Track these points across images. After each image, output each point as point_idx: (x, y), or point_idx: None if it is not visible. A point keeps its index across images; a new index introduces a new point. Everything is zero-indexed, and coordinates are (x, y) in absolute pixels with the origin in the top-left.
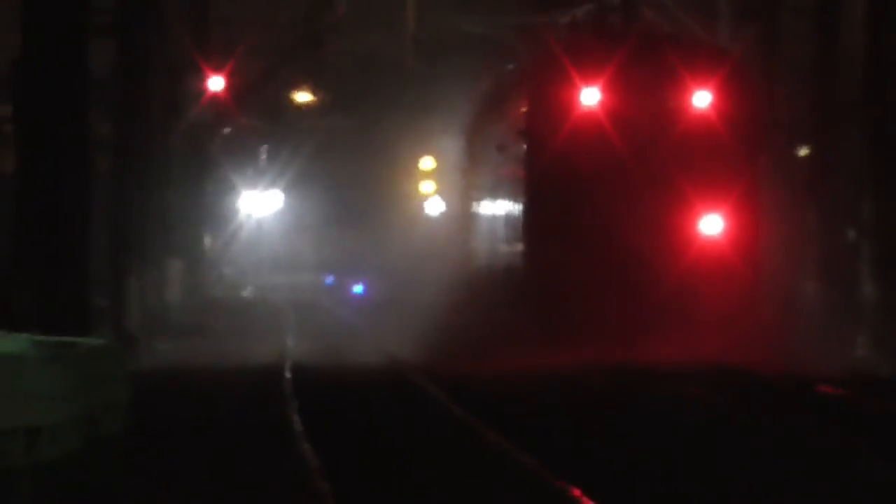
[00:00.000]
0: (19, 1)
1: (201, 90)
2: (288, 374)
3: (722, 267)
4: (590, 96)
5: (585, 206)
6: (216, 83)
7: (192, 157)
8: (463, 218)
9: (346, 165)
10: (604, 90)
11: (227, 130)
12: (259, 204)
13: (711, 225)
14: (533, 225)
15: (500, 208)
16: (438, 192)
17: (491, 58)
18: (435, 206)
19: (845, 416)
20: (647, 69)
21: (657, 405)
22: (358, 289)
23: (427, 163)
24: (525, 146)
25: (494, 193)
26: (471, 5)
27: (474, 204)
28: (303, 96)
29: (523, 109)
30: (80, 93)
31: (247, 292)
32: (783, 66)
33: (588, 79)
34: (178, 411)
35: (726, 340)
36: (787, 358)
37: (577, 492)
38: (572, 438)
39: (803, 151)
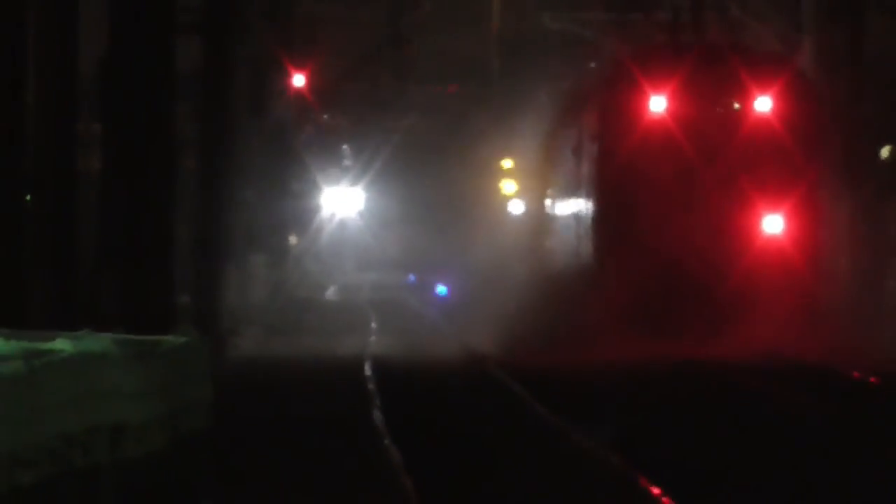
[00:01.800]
0: (107, 2)
1: (285, 88)
2: (368, 372)
3: (783, 264)
4: (658, 103)
5: (654, 207)
6: (299, 80)
7: (275, 155)
8: (541, 217)
9: (429, 164)
10: (671, 98)
11: (310, 129)
12: (342, 202)
13: (773, 225)
14: (605, 225)
15: (575, 208)
16: (520, 191)
17: (574, 56)
18: (517, 206)
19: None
20: (712, 77)
21: (727, 399)
22: (441, 288)
23: (508, 162)
24: (597, 150)
25: (571, 194)
26: (554, 3)
27: (552, 204)
28: (385, 95)
29: (595, 115)
30: (166, 91)
31: (330, 290)
32: (869, 67)
33: (656, 87)
34: (260, 408)
35: (786, 335)
36: (845, 350)
37: (657, 490)
38: (651, 434)
39: (885, 153)
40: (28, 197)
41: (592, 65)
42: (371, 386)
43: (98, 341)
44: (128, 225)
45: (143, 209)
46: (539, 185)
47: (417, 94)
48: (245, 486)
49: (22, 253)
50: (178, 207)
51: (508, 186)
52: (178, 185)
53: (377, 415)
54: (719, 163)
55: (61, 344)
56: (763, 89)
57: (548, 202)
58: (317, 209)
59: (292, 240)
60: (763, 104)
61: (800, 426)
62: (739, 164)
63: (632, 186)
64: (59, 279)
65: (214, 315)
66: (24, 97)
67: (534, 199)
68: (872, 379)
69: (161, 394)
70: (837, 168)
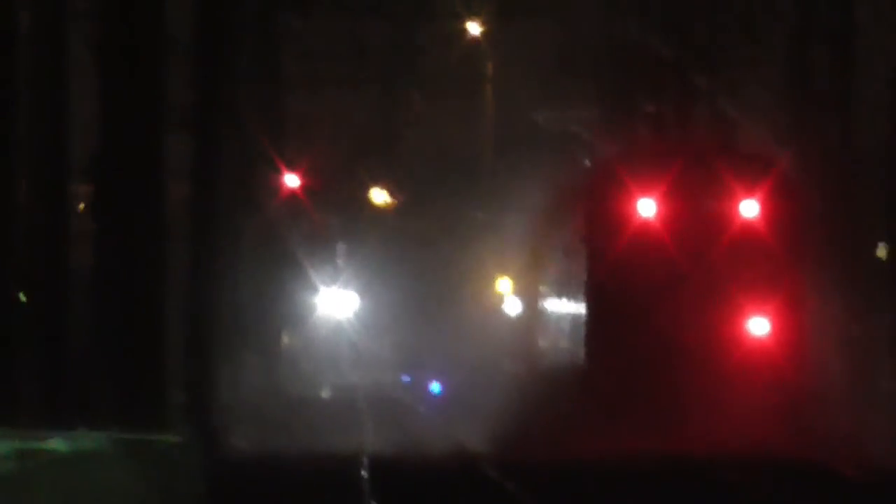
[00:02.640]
0: (99, 96)
1: (279, 186)
2: (365, 470)
3: (768, 365)
4: (644, 206)
5: (641, 308)
6: (293, 181)
7: (268, 255)
8: (534, 316)
9: (424, 266)
10: (657, 200)
11: (304, 227)
12: (337, 302)
13: (759, 326)
14: (595, 324)
15: (567, 307)
16: (514, 290)
17: (567, 152)
18: (512, 305)
19: None
20: (699, 180)
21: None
22: (435, 387)
23: (504, 261)
24: (585, 251)
25: (562, 293)
26: (548, 100)
27: (542, 302)
28: (379, 195)
29: (583, 217)
30: (157, 186)
31: (325, 390)
32: (860, 161)
33: (643, 189)
34: None
35: (772, 432)
36: (833, 446)
37: None
38: None
39: (881, 252)
40: (21, 294)
41: (586, 161)
42: (366, 482)
43: (92, 440)
44: (120, 320)
45: (135, 304)
46: (532, 284)
47: (410, 193)
48: None
49: (13, 350)
50: (170, 304)
51: (503, 285)
52: (170, 282)
53: None
54: (706, 265)
55: (56, 444)
56: (749, 192)
57: (541, 301)
58: (311, 309)
59: (285, 339)
60: (749, 207)
61: None
62: (726, 267)
63: (619, 287)
64: (50, 375)
65: (207, 413)
66: (15, 193)
67: (527, 298)
68: (851, 473)
69: (155, 493)
70: (830, 265)
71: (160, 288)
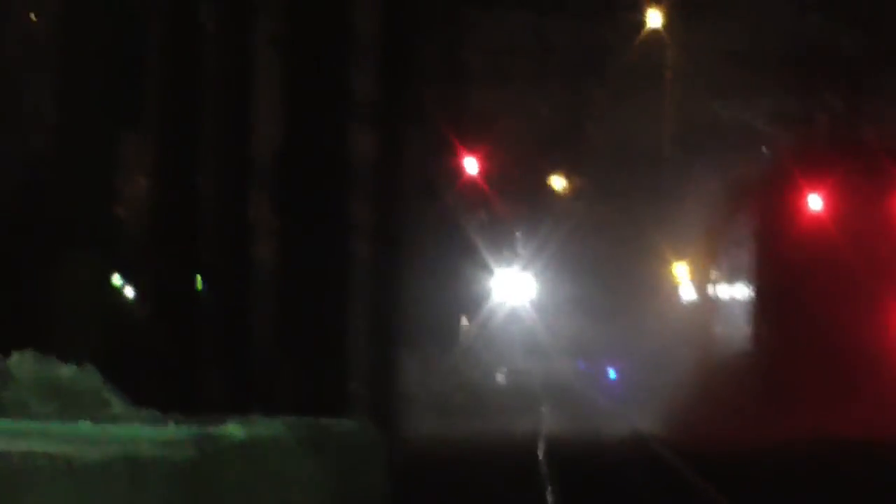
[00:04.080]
0: (282, 94)
1: (458, 172)
2: (541, 454)
3: None
4: (814, 201)
5: (811, 298)
6: (472, 166)
7: (449, 241)
8: (706, 304)
9: (601, 251)
10: (827, 196)
11: (483, 214)
12: (513, 288)
13: None
14: (762, 313)
15: (735, 296)
16: (690, 277)
17: (744, 144)
18: (687, 292)
19: None
20: (867, 177)
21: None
22: (611, 373)
23: (681, 248)
24: (756, 243)
25: (735, 281)
26: (726, 91)
27: (716, 290)
28: (559, 183)
29: (755, 210)
30: (341, 181)
31: (501, 376)
32: None
33: (814, 185)
34: (434, 495)
35: None
36: None
37: None
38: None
39: None
40: (199, 283)
41: (764, 150)
42: (544, 466)
43: (270, 426)
44: (302, 312)
45: (316, 296)
46: (706, 272)
47: (590, 181)
48: None
49: (195, 340)
50: (352, 294)
51: (681, 272)
52: (351, 271)
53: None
54: (872, 259)
55: (233, 429)
56: None
57: (713, 289)
58: (488, 295)
59: (462, 325)
60: None
61: None
62: (891, 260)
63: (789, 279)
64: (230, 365)
65: (389, 402)
66: (199, 191)
67: (702, 286)
68: None
69: (333, 480)
70: None
71: (343, 279)
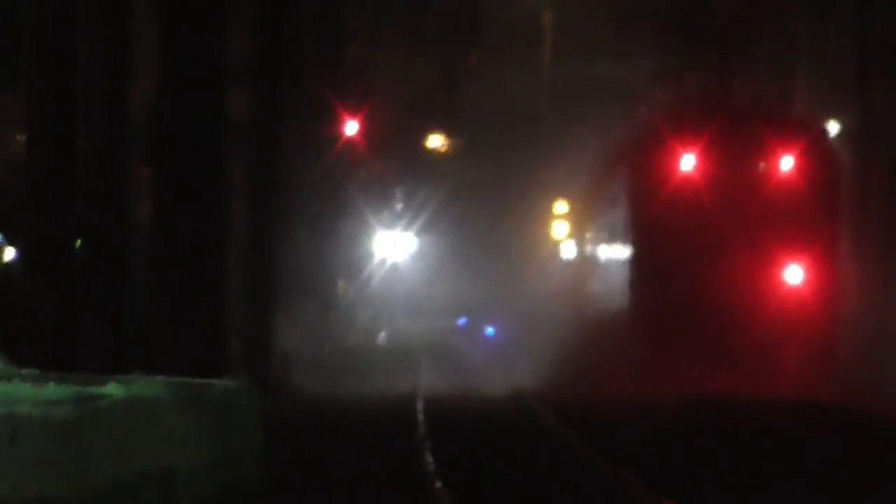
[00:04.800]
0: (158, 48)
1: (337, 134)
2: (420, 413)
3: (803, 311)
4: (687, 162)
5: (683, 257)
6: (351, 127)
7: (327, 200)
8: (584, 262)
9: (480, 210)
10: (699, 157)
11: (362, 174)
12: (393, 247)
13: (793, 275)
14: (637, 272)
15: (612, 255)
16: (569, 235)
17: (623, 102)
18: (567, 250)
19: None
20: (738, 138)
21: (738, 432)
22: (490, 330)
23: (560, 207)
24: (631, 204)
25: (611, 241)
26: (605, 50)
27: (594, 249)
28: (437, 142)
29: (630, 172)
30: (217, 140)
31: (381, 335)
32: None
33: (685, 146)
34: (311, 453)
35: (806, 375)
36: (859, 392)
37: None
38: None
39: None
40: (78, 242)
41: (642, 109)
42: (422, 422)
43: (149, 385)
44: (178, 270)
45: (193, 254)
46: (584, 231)
47: (468, 140)
48: None
49: (73, 297)
50: (228, 252)
51: (560, 230)
52: (229, 231)
53: (427, 458)
54: (744, 217)
55: (112, 388)
56: (785, 150)
57: (591, 247)
58: (368, 254)
59: (340, 285)
60: (785, 164)
61: (786, 447)
62: (763, 219)
63: (662, 238)
64: (110, 324)
65: (265, 360)
66: (75, 143)
67: (579, 244)
68: (881, 415)
69: (212, 439)
70: (886, 216)
71: (221, 239)
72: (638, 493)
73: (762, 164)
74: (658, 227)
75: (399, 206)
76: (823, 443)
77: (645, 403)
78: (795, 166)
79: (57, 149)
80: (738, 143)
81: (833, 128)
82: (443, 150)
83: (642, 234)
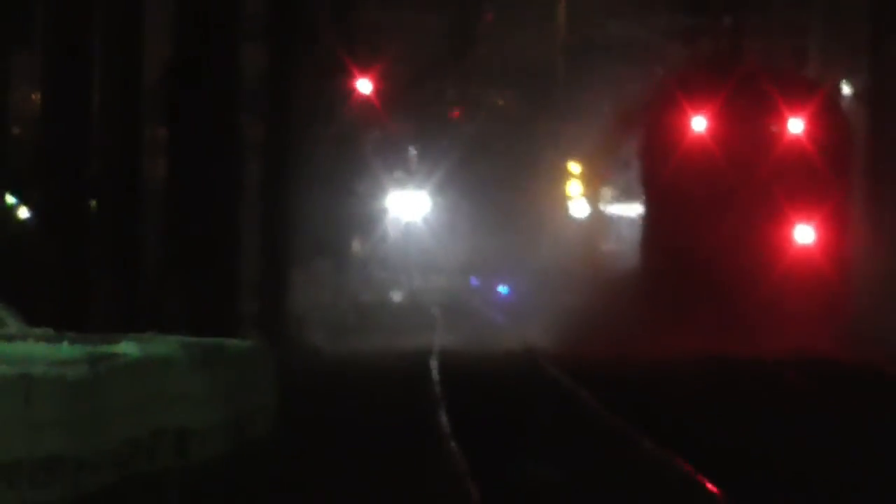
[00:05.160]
0: (173, 7)
1: (350, 93)
2: (434, 369)
3: (813, 270)
4: (699, 123)
5: (694, 217)
6: (364, 86)
7: (341, 160)
8: (597, 221)
9: (494, 169)
10: (711, 118)
11: (376, 133)
12: (408, 206)
13: (804, 234)
14: (649, 232)
15: (625, 214)
16: (584, 194)
17: (638, 60)
18: (581, 209)
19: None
20: (749, 100)
21: (751, 385)
22: (503, 289)
23: (574, 166)
24: (644, 164)
25: (624, 200)
26: (619, 8)
27: (606, 209)
28: (454, 101)
29: (643, 133)
30: (232, 97)
31: (395, 294)
32: None
33: (697, 108)
34: (325, 411)
35: (816, 333)
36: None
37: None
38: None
39: None
40: (94, 202)
41: (658, 69)
42: (436, 377)
43: (163, 345)
44: (193, 230)
45: (208, 214)
46: (597, 190)
47: (483, 100)
48: (310, 491)
49: (88, 257)
50: (244, 212)
51: (574, 189)
52: (244, 189)
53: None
54: (755, 178)
55: (127, 347)
56: (795, 111)
57: (604, 207)
58: (382, 213)
59: (355, 244)
60: (795, 125)
61: (795, 402)
62: (773, 180)
63: (673, 198)
64: (124, 283)
65: (280, 318)
66: (90, 102)
67: (592, 203)
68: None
69: (226, 398)
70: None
71: (235, 197)
72: (638, 439)
73: (773, 125)
74: (670, 187)
75: (414, 165)
76: (831, 396)
77: (655, 361)
78: (806, 127)
79: (72, 109)
80: (749, 104)
81: (846, 88)
82: (457, 108)
83: (654, 194)
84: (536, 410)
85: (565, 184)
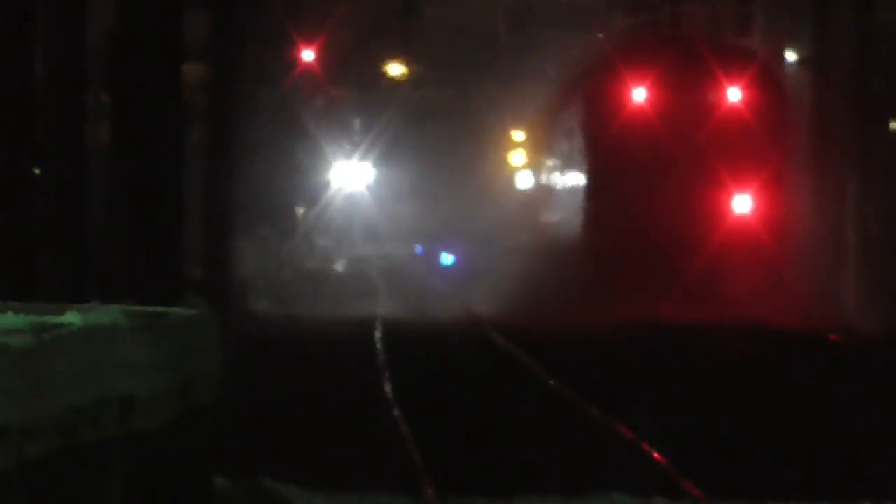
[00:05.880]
0: None
1: (294, 61)
2: (378, 335)
3: (751, 238)
4: (638, 93)
5: (634, 186)
6: (308, 55)
7: (285, 129)
8: (540, 190)
9: (439, 136)
10: (649, 87)
11: (319, 102)
12: (351, 176)
13: (742, 203)
14: (592, 201)
15: (567, 183)
16: (527, 163)
17: (582, 27)
18: (525, 178)
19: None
20: (687, 68)
21: (689, 349)
22: (447, 257)
23: (518, 135)
24: (584, 133)
25: (566, 169)
26: None
27: (550, 178)
28: (395, 68)
29: (583, 102)
30: (175, 64)
31: (339, 263)
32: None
33: (636, 77)
34: (270, 377)
35: (755, 301)
36: (804, 314)
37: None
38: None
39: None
40: (37, 170)
41: (600, 36)
42: (379, 346)
43: (107, 313)
44: (137, 197)
45: (152, 180)
46: (541, 159)
47: (427, 67)
48: (256, 459)
49: (31, 226)
50: (187, 180)
51: (517, 158)
52: (187, 157)
53: (386, 385)
54: (693, 147)
55: (70, 317)
56: (733, 80)
57: (548, 175)
58: (326, 183)
59: (299, 213)
60: (733, 94)
61: (734, 364)
62: (712, 149)
63: (614, 168)
64: (68, 252)
65: (225, 286)
66: (32, 69)
67: (536, 172)
68: (832, 337)
69: (170, 366)
70: (844, 144)
71: (178, 164)
72: (576, 400)
73: (711, 94)
74: (610, 156)
75: (358, 134)
76: (771, 359)
77: (595, 328)
78: (743, 96)
79: (13, 72)
80: (687, 74)
81: (791, 55)
82: (403, 77)
83: (595, 164)
84: (478, 373)
85: (509, 153)
